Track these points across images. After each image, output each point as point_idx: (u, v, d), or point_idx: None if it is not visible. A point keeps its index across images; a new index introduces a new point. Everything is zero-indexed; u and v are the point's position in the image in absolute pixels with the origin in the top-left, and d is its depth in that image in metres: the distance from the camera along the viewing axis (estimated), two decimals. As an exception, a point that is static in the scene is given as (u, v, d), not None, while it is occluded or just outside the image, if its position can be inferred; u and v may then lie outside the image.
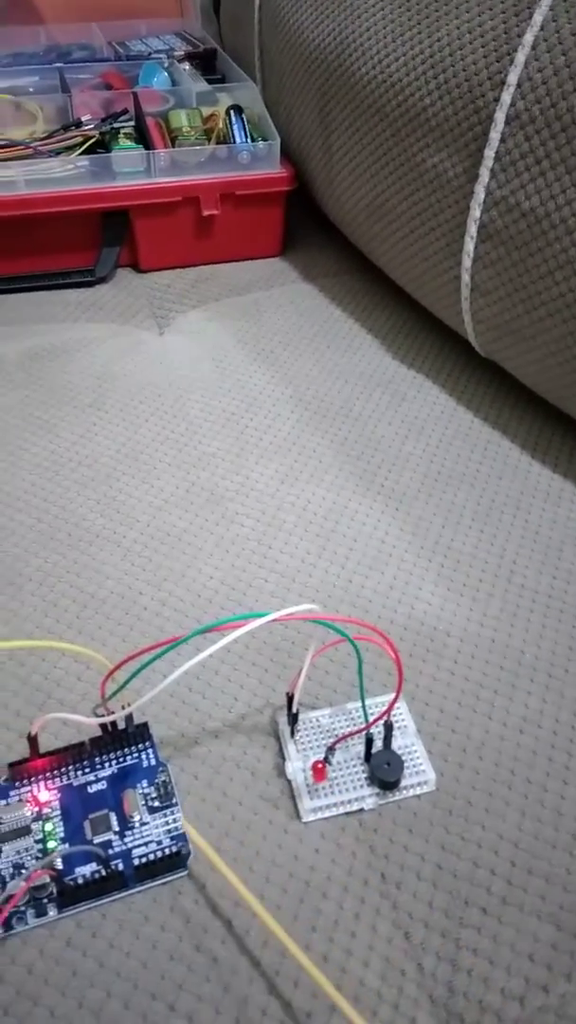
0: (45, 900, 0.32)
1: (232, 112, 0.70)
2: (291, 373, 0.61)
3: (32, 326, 0.65)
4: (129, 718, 0.36)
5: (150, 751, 0.36)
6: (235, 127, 0.70)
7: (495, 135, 0.47)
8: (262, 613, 0.29)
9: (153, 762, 0.36)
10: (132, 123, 0.70)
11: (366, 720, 0.35)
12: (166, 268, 0.73)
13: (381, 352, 0.63)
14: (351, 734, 0.35)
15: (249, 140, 0.70)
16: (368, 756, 0.35)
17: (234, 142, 0.69)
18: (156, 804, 0.34)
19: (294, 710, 0.36)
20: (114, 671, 0.32)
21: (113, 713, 0.35)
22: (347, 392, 0.59)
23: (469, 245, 0.50)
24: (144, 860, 0.32)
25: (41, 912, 0.31)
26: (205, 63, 0.81)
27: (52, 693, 0.39)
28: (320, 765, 0.34)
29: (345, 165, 0.62)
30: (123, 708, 0.35)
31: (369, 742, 0.35)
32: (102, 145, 0.69)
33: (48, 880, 0.31)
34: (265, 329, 0.66)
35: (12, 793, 0.35)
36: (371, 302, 0.69)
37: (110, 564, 0.46)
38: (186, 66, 0.79)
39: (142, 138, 0.69)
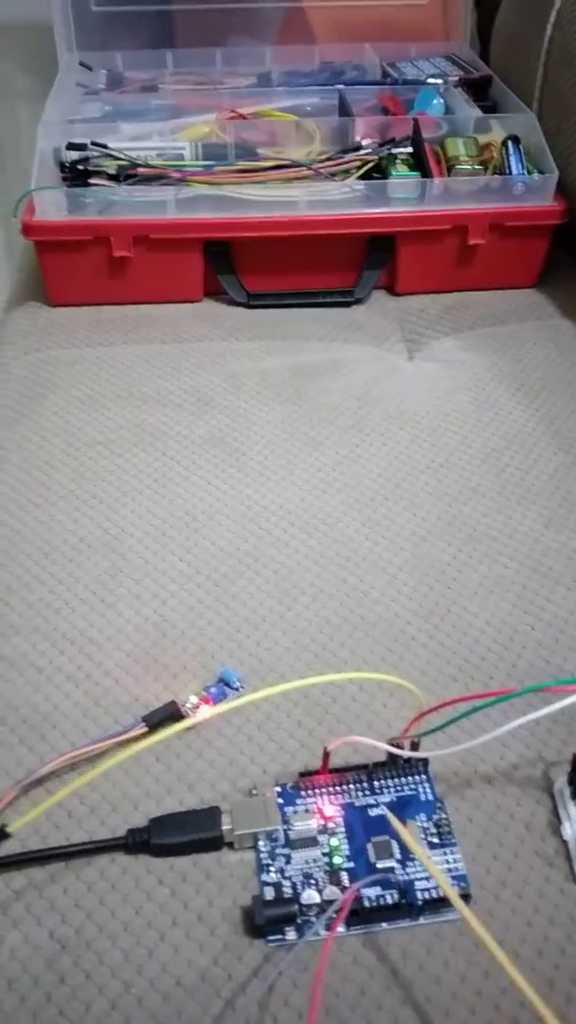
0: (334, 915, 0.33)
1: (510, 142, 0.70)
2: (553, 412, 0.60)
3: (296, 343, 0.67)
4: (415, 748, 0.37)
5: (427, 785, 0.37)
6: (512, 158, 0.69)
7: None
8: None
9: (430, 797, 0.37)
10: (410, 149, 0.71)
11: None
12: (420, 293, 0.73)
13: None
14: None
15: (525, 171, 0.69)
16: None
17: (510, 173, 0.69)
18: (435, 840, 0.35)
19: (581, 772, 0.36)
20: (429, 711, 0.33)
21: (402, 747, 0.36)
22: (614, 439, 0.58)
23: None
24: (429, 896, 0.33)
25: (330, 926, 0.33)
26: (476, 89, 0.81)
27: (329, 708, 0.41)
28: (613, 836, 0.34)
29: None
30: (412, 744, 0.37)
31: None
32: (378, 169, 0.71)
33: (341, 895, 0.33)
34: (523, 364, 0.65)
35: (299, 801, 0.37)
36: None
37: (377, 589, 0.48)
38: (460, 92, 0.79)
39: (418, 164, 0.70)
